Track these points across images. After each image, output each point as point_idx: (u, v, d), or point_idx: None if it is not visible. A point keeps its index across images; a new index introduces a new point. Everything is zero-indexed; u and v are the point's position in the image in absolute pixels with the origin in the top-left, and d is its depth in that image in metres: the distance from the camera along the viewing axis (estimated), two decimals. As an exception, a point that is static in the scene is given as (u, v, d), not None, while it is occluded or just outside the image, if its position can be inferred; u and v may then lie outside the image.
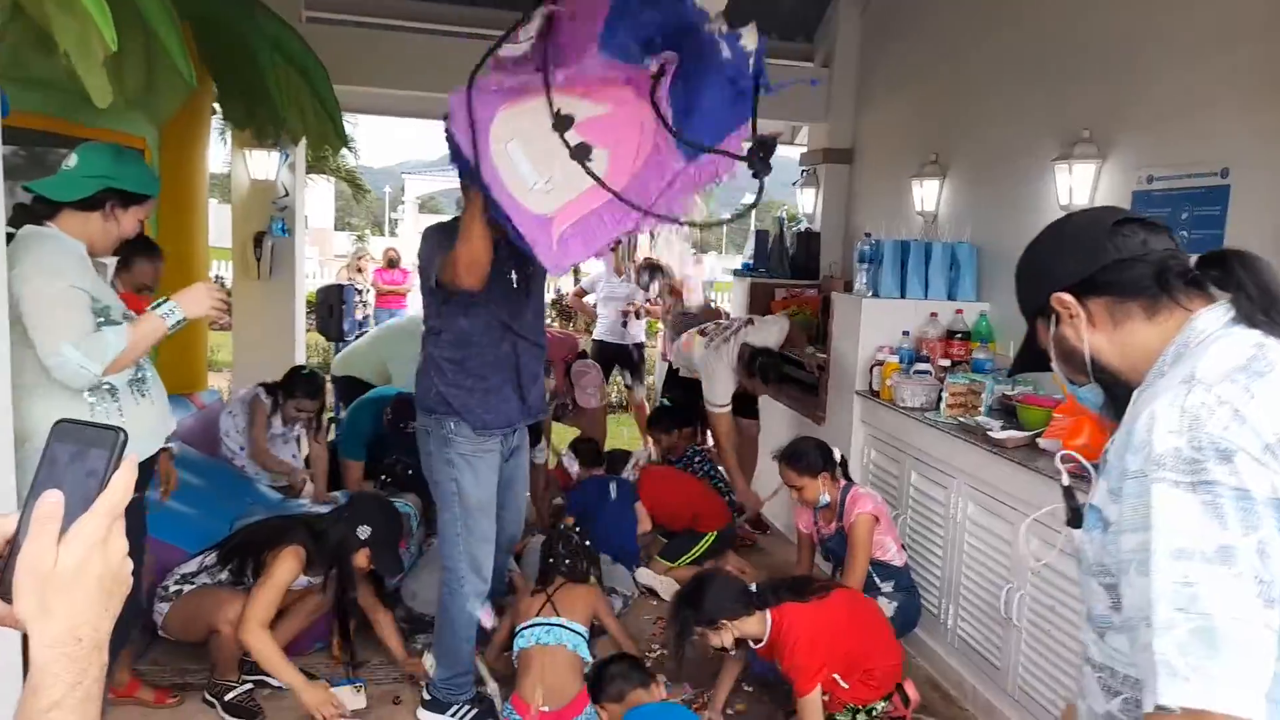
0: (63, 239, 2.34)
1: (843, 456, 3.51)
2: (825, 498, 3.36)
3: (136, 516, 2.52)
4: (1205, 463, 0.96)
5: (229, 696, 3.01)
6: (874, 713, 2.89)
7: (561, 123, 2.30)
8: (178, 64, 2.89)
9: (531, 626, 3.01)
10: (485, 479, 2.89)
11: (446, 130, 2.40)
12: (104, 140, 3.88)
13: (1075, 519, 1.28)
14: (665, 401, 5.19)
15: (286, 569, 2.96)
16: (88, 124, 3.41)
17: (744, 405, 4.71)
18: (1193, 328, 1.11)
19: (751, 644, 2.86)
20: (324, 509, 3.58)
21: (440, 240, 2.74)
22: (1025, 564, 2.90)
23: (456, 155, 2.41)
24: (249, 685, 3.04)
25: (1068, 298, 1.19)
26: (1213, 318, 1.11)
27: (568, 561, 3.25)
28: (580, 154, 2.31)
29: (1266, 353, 1.04)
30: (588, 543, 3.39)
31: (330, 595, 3.12)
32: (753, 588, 2.96)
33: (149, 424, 2.50)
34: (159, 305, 2.39)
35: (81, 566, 0.68)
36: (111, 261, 2.53)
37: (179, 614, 3.11)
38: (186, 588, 3.12)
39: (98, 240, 2.41)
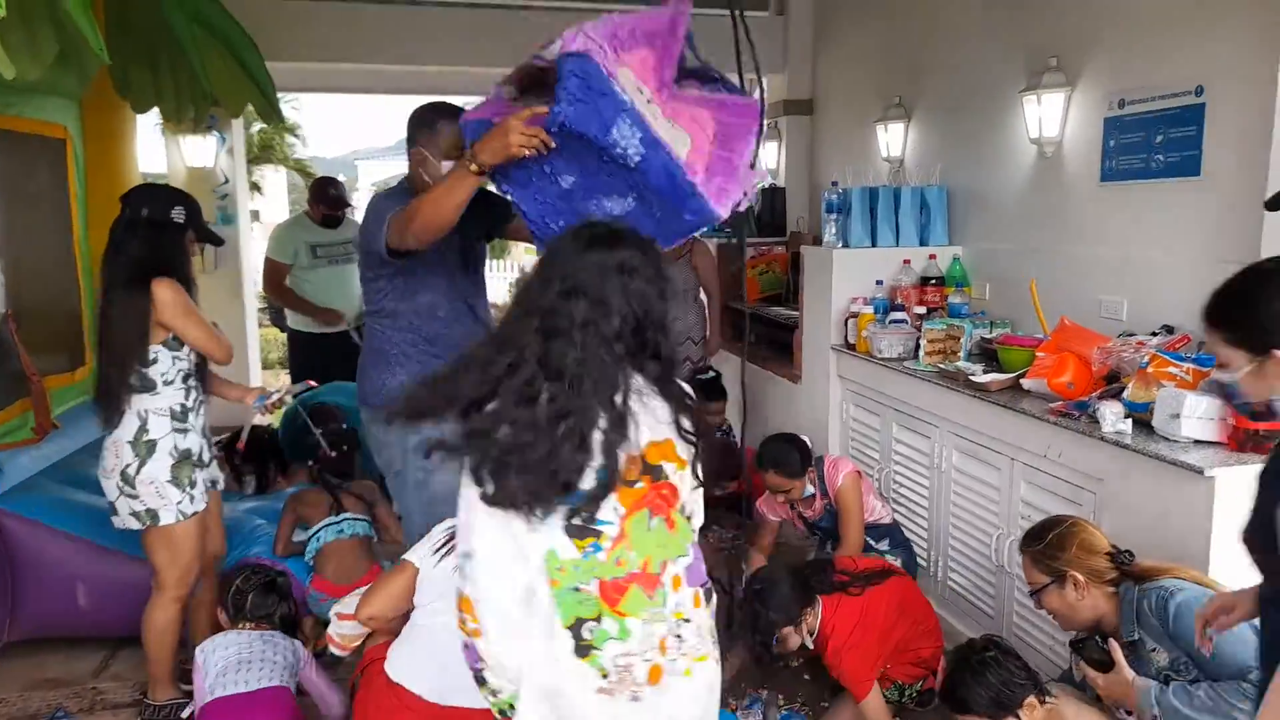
0: None
1: (810, 443, 3.41)
2: (810, 489, 3.25)
3: None
4: None
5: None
6: (920, 688, 2.79)
7: (649, 96, 2.09)
8: (85, 34, 2.67)
9: None
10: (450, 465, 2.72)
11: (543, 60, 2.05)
12: (18, 130, 3.66)
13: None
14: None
15: None
16: (-4, 111, 3.19)
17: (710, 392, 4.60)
18: None
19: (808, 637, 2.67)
20: None
21: (390, 205, 2.45)
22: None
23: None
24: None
25: None
26: None
27: None
28: (669, 122, 2.06)
29: None
30: None
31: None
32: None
33: None
34: None
35: None
36: None
37: None
38: None
39: None
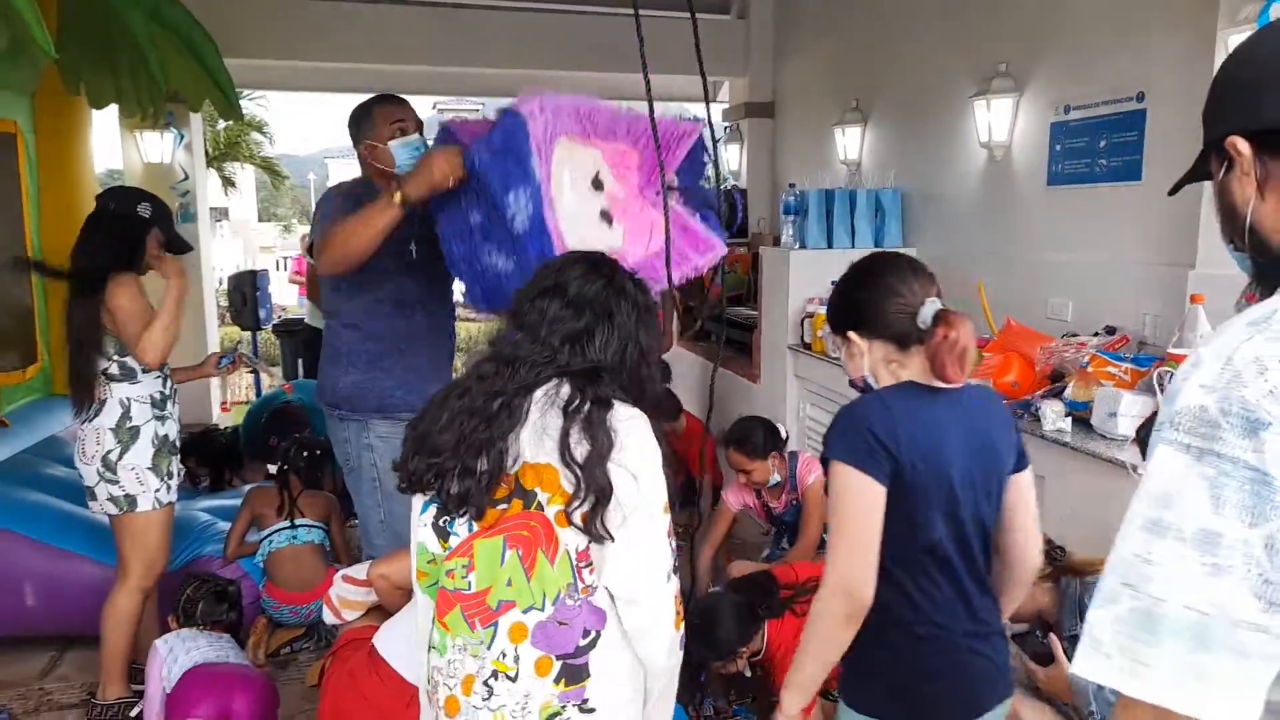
0: None
1: (786, 433, 3.41)
2: (776, 477, 3.26)
3: None
4: (1224, 431, 0.77)
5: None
6: None
7: (598, 184, 2.18)
8: (32, 30, 2.65)
9: None
10: None
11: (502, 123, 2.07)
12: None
13: (1143, 447, 1.16)
14: None
15: None
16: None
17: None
18: None
19: (749, 658, 2.67)
20: None
21: (340, 206, 2.42)
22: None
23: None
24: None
25: (1243, 146, 0.90)
26: None
27: None
28: (605, 219, 2.19)
29: None
30: None
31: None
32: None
33: None
34: None
35: None
36: None
37: None
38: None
39: None
